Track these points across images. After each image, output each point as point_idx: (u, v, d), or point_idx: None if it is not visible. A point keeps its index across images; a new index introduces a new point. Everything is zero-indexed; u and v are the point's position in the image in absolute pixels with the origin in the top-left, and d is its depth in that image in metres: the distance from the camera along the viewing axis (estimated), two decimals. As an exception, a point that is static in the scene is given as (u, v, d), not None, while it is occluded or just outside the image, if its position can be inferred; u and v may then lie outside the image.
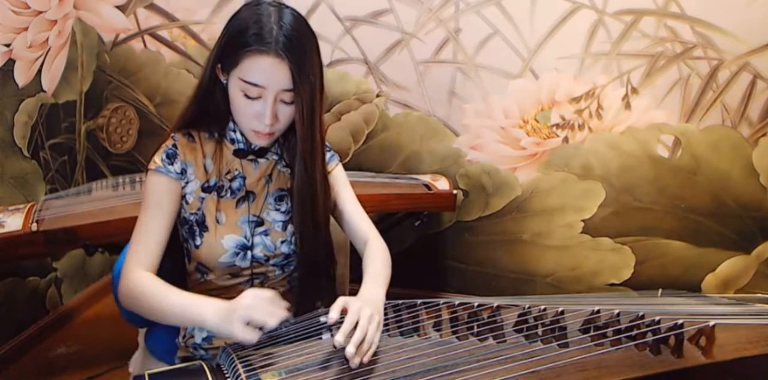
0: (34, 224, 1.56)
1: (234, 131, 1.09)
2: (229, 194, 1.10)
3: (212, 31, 2.19)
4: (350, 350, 0.84)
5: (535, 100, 2.04)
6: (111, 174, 2.36)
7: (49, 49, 2.02)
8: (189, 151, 1.07)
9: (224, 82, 1.03)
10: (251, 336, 0.85)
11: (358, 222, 1.15)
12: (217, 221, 1.08)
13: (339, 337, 0.85)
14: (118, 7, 2.22)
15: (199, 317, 0.91)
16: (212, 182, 1.09)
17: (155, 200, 1.04)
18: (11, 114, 1.88)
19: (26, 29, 1.89)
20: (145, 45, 2.26)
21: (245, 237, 1.09)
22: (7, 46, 1.82)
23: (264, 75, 0.96)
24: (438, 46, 2.05)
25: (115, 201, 1.74)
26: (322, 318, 0.98)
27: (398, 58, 2.09)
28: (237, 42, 0.97)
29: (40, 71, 1.99)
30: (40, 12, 1.95)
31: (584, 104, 2.01)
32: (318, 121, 1.04)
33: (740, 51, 1.86)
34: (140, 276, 0.99)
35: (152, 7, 2.21)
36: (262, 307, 0.87)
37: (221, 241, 1.08)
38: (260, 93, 0.98)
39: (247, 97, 0.98)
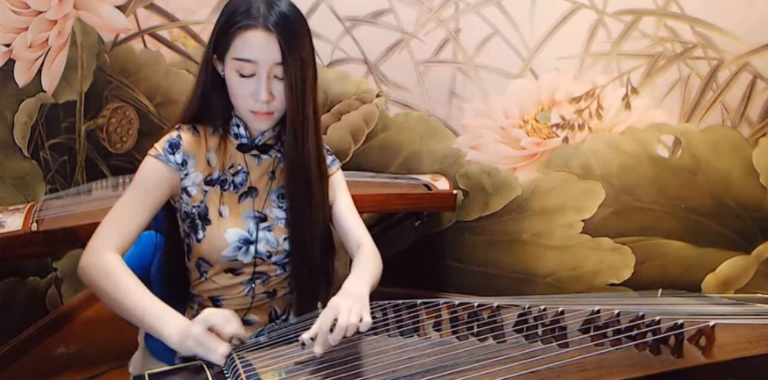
0: (34, 224, 1.56)
1: (238, 126, 1.09)
2: (231, 188, 1.10)
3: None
4: (318, 351, 0.87)
5: (535, 100, 2.04)
6: (111, 174, 2.36)
7: (49, 49, 2.02)
8: (193, 143, 1.06)
9: (222, 72, 1.04)
10: (215, 357, 0.87)
11: (353, 228, 1.16)
12: (220, 214, 1.08)
13: (305, 335, 0.88)
14: (118, 7, 2.22)
15: (156, 329, 0.92)
16: (215, 176, 1.09)
17: (146, 185, 1.04)
18: (11, 114, 1.88)
19: (26, 29, 1.89)
20: (145, 45, 2.26)
21: (248, 232, 1.09)
22: (7, 46, 1.82)
23: (254, 49, 0.97)
24: (438, 46, 2.05)
25: (115, 201, 1.73)
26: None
27: (398, 58, 2.09)
28: (227, 25, 0.99)
29: (40, 71, 1.99)
30: (40, 12, 1.95)
31: (584, 104, 2.01)
32: (310, 99, 1.03)
33: (740, 51, 1.86)
34: (112, 260, 0.98)
35: (152, 7, 2.21)
36: (207, 345, 0.88)
37: (224, 235, 1.07)
38: (253, 69, 0.99)
39: (242, 75, 0.99)
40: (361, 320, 0.90)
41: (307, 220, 1.10)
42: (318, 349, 0.87)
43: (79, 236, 1.58)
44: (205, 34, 2.20)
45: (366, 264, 1.08)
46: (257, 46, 0.97)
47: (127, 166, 2.37)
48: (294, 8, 1.01)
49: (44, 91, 2.02)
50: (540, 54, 1.99)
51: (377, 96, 2.14)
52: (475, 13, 1.99)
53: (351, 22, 2.08)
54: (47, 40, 2.00)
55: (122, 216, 1.02)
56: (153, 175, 1.04)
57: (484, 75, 2.05)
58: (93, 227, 1.61)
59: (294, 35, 0.98)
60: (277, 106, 1.02)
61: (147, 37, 2.25)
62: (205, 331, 0.88)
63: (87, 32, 2.22)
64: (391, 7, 2.03)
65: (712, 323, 0.86)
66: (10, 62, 1.85)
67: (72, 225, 1.58)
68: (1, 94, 1.83)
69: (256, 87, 0.99)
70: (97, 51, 2.27)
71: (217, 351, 0.87)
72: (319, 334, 0.88)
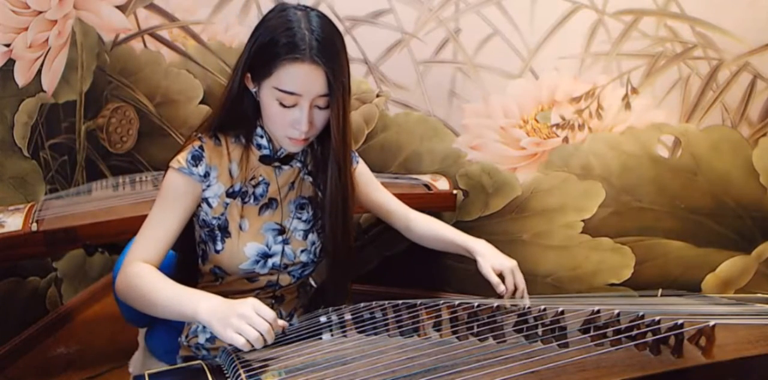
0: (34, 224, 1.56)
1: (261, 137, 1.08)
2: (252, 200, 1.09)
3: (212, 31, 2.19)
4: (526, 303, 1.03)
5: (535, 100, 2.04)
6: (111, 174, 2.36)
7: (49, 49, 2.02)
8: (215, 154, 1.05)
9: (254, 90, 1.03)
10: (240, 343, 0.85)
11: (397, 207, 1.26)
12: (240, 228, 1.08)
13: (508, 302, 1.03)
14: (118, 7, 2.22)
15: (191, 310, 0.90)
16: (237, 187, 1.08)
17: (171, 199, 1.03)
18: (11, 114, 1.88)
19: (26, 29, 1.89)
20: (145, 45, 2.26)
21: (267, 246, 1.09)
22: (7, 46, 1.82)
23: (300, 83, 0.95)
24: (438, 46, 2.05)
25: (115, 201, 1.74)
26: (322, 318, 0.98)
27: (398, 58, 2.09)
28: (269, 52, 0.96)
29: (40, 71, 1.99)
30: (40, 12, 1.95)
31: (584, 104, 2.01)
32: (349, 123, 1.04)
33: (740, 51, 1.86)
34: (138, 268, 0.98)
35: (152, 7, 2.21)
36: (255, 322, 0.86)
37: (243, 249, 1.07)
38: (296, 101, 0.97)
39: (283, 105, 0.98)
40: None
41: (343, 240, 1.12)
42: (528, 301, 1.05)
43: (79, 236, 1.58)
44: (206, 34, 2.20)
45: (449, 227, 1.25)
46: (303, 80, 0.95)
47: (127, 166, 2.37)
48: (333, 27, 0.99)
49: (44, 91, 2.02)
50: (540, 54, 1.99)
51: (377, 96, 2.14)
52: (475, 13, 1.99)
53: (351, 22, 2.08)
54: (47, 40, 2.00)
55: (149, 230, 1.02)
56: (177, 187, 1.04)
57: (484, 75, 2.05)
58: (93, 227, 1.63)
59: (338, 63, 0.97)
60: (313, 132, 1.02)
61: (147, 37, 2.25)
62: (253, 310, 0.86)
63: (87, 32, 2.22)
64: (391, 7, 2.03)
65: (712, 323, 0.86)
66: (10, 62, 1.85)
67: (72, 225, 1.58)
68: (1, 94, 1.83)
69: (297, 117, 0.98)
70: (97, 51, 2.27)
71: (256, 332, 0.85)
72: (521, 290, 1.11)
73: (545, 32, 1.96)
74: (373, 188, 1.24)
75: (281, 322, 0.90)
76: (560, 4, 1.92)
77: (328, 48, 0.95)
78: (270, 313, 0.88)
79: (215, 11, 2.16)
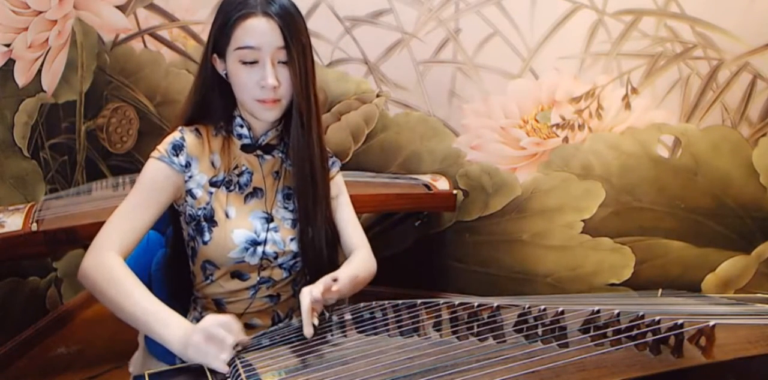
0: (34, 224, 1.56)
1: (241, 126, 1.08)
2: (237, 188, 1.09)
3: (212, 31, 2.19)
4: (308, 331, 0.91)
5: (535, 100, 2.04)
6: (111, 174, 2.37)
7: (49, 49, 2.02)
8: (196, 145, 1.06)
9: (224, 72, 1.03)
10: (216, 365, 0.86)
11: (350, 232, 1.17)
12: (227, 215, 1.07)
13: (307, 330, 0.91)
14: (118, 7, 2.22)
15: (161, 331, 0.91)
16: (220, 177, 1.08)
17: (150, 186, 1.02)
18: (11, 114, 1.88)
19: (26, 29, 1.89)
20: (145, 45, 2.26)
21: (255, 233, 1.08)
22: (7, 46, 1.82)
23: (256, 35, 0.98)
24: (438, 46, 2.05)
25: (115, 201, 1.72)
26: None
27: (398, 58, 2.09)
28: (225, 21, 1.01)
29: (40, 71, 1.99)
30: (40, 12, 1.95)
31: (584, 104, 2.01)
32: (312, 87, 1.04)
33: (740, 51, 1.86)
34: (112, 260, 0.97)
35: (152, 7, 2.21)
36: (215, 332, 0.87)
37: (231, 236, 1.06)
38: (257, 56, 0.99)
39: (246, 63, 0.99)
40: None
41: (313, 210, 1.10)
42: (306, 330, 0.91)
43: (79, 236, 1.58)
44: (205, 34, 2.19)
45: (357, 262, 1.09)
46: (259, 32, 0.98)
47: (127, 166, 2.38)
48: (291, 4, 1.02)
49: (44, 91, 2.02)
50: (540, 54, 1.99)
51: (377, 96, 2.14)
52: (475, 13, 1.99)
53: (351, 22, 2.08)
54: (47, 40, 2.00)
55: (125, 218, 1.01)
56: (157, 176, 1.03)
57: (484, 75, 2.05)
58: (93, 227, 1.62)
59: (293, 21, 0.99)
60: (284, 93, 1.01)
61: (147, 37, 2.25)
62: (206, 340, 0.87)
63: (87, 32, 2.22)
64: (391, 7, 2.03)
65: (712, 323, 0.86)
66: (10, 62, 1.85)
67: (72, 225, 1.58)
68: (1, 94, 1.83)
69: (261, 73, 0.99)
70: (97, 51, 2.27)
71: (219, 359, 0.86)
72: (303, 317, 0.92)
73: (545, 32, 1.96)
74: (338, 203, 1.17)
75: (243, 338, 0.90)
76: (560, 4, 1.92)
77: (281, 7, 0.99)
78: (226, 318, 0.89)
79: (215, 11, 2.15)
